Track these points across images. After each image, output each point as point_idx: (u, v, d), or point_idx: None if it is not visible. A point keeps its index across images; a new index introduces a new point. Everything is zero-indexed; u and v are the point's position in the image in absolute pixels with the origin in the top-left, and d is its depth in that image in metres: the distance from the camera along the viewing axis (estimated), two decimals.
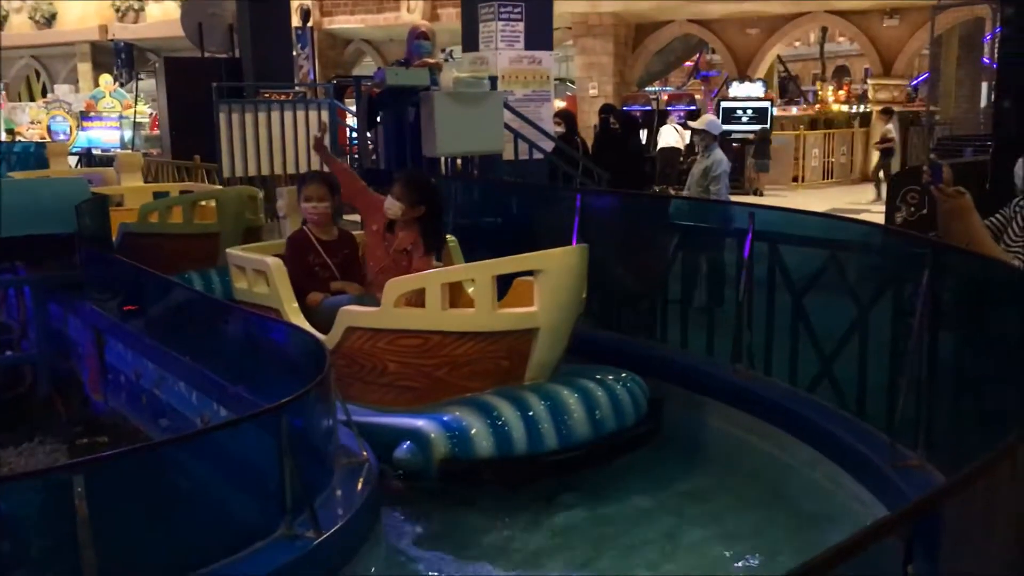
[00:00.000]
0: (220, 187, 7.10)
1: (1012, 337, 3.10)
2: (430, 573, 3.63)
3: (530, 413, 3.91)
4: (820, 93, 22.18)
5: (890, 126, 17.17)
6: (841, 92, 21.73)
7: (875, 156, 19.71)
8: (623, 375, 4.27)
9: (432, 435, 3.82)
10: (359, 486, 3.13)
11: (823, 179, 18.85)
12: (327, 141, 5.43)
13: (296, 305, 4.56)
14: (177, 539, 2.56)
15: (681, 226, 5.23)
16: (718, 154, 7.71)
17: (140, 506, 2.50)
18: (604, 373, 4.25)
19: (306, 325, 4.36)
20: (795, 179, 18.36)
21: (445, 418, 3.88)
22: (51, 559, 2.38)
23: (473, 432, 3.81)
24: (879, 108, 18.11)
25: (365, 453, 3.31)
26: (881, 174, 15.98)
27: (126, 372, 5.22)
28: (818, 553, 0.95)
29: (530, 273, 4.12)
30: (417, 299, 4.16)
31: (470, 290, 4.58)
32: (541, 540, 3.79)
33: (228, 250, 5.01)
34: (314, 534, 2.70)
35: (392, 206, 4.69)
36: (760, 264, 4.40)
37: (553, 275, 3.99)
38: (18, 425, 5.52)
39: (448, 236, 5.03)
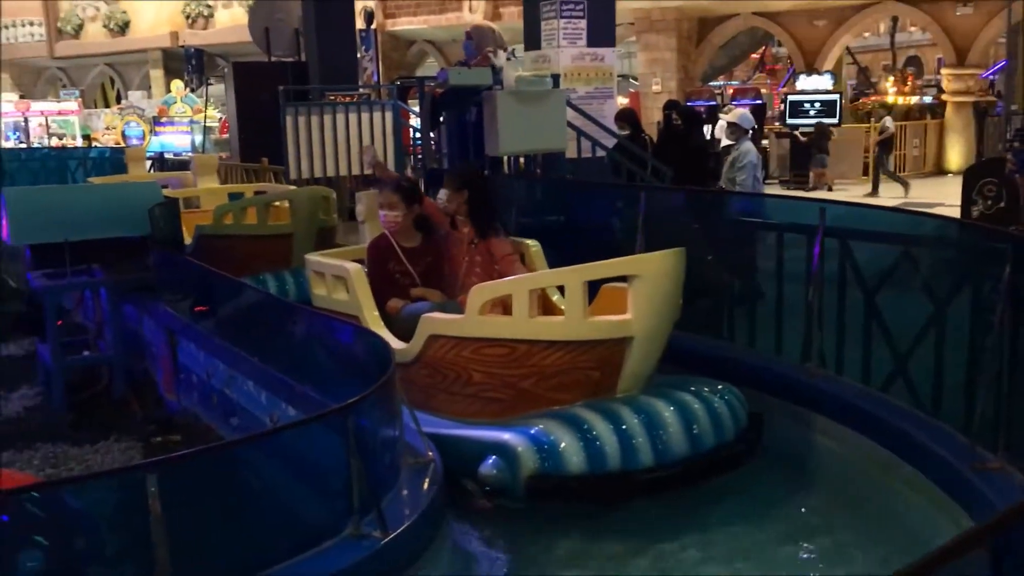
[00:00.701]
0: (294, 188, 7.18)
1: None
2: None
3: (623, 427, 3.66)
4: (879, 84, 21.61)
5: (888, 119, 16.79)
6: (906, 86, 21.15)
7: (951, 148, 19.23)
8: (720, 387, 4.02)
9: (519, 449, 3.60)
10: (425, 486, 3.15)
11: (896, 173, 18.38)
12: (379, 152, 5.52)
13: (376, 313, 4.45)
14: (246, 538, 2.59)
15: (747, 222, 5.14)
16: (746, 146, 7.73)
17: (211, 505, 2.54)
18: (700, 385, 4.01)
19: (386, 334, 4.25)
20: (865, 173, 17.95)
21: (533, 431, 3.66)
22: (124, 557, 2.44)
23: (563, 447, 3.58)
24: (881, 105, 17.70)
25: (431, 453, 3.32)
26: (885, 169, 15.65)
27: (198, 372, 5.32)
28: (902, 569, 0.91)
29: (621, 279, 3.91)
30: (504, 307, 4.02)
31: (555, 298, 4.52)
32: (636, 564, 3.52)
33: (307, 256, 4.96)
34: (381, 534, 2.72)
35: (441, 195, 4.75)
36: (831, 260, 4.29)
37: (650, 280, 3.75)
38: (95, 424, 5.67)
39: (530, 241, 4.92)
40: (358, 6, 14.88)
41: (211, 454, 2.73)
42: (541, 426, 3.68)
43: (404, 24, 23.08)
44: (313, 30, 11.52)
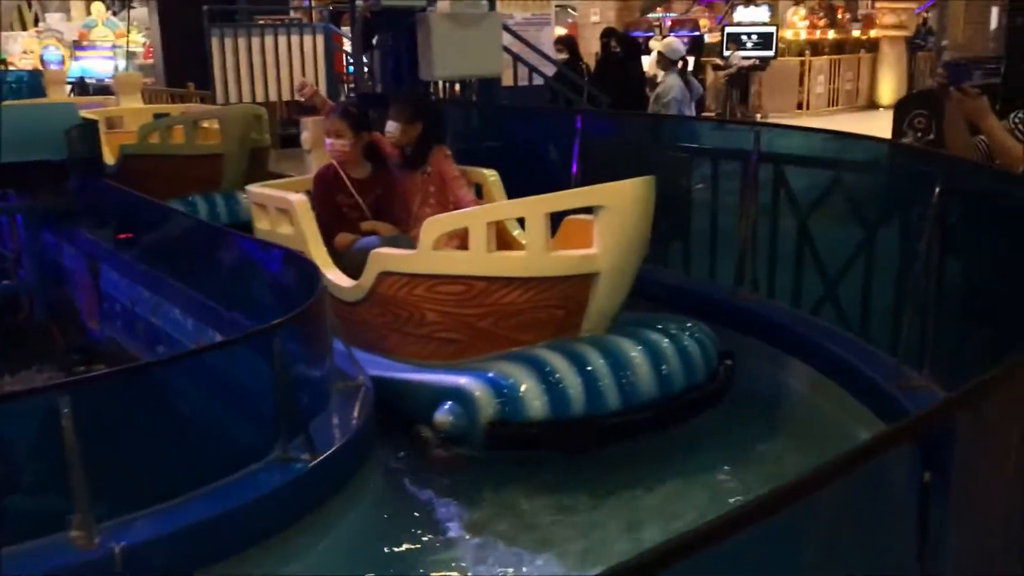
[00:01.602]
0: (223, 106, 6.93)
1: (1022, 256, 3.02)
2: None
3: (588, 369, 3.43)
4: (788, 19, 21.41)
5: (738, 53, 16.90)
6: (821, 20, 21.15)
7: (883, 82, 19.45)
8: (689, 324, 3.80)
9: (477, 394, 3.36)
10: (356, 410, 3.10)
11: (828, 106, 18.56)
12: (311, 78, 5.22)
13: (323, 248, 4.22)
14: (169, 461, 2.53)
15: (684, 147, 5.12)
16: (670, 80, 7.56)
17: (130, 428, 2.46)
18: (669, 322, 3.79)
19: (335, 270, 4.08)
20: (799, 106, 18.08)
21: (491, 375, 3.43)
22: (41, 483, 2.35)
23: (523, 391, 3.35)
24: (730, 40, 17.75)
25: (361, 377, 3.27)
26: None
27: (121, 300, 5.17)
28: (831, 459, 0.90)
29: (585, 210, 3.65)
30: (461, 242, 3.76)
31: (515, 232, 4.28)
32: (604, 513, 3.30)
33: (248, 187, 4.70)
34: (309, 457, 2.67)
35: (391, 128, 4.46)
36: (764, 182, 4.30)
37: (617, 212, 3.47)
38: (15, 354, 5.49)
39: (487, 171, 4.65)
40: None
41: (127, 375, 2.64)
42: (500, 369, 3.46)
43: None
44: None
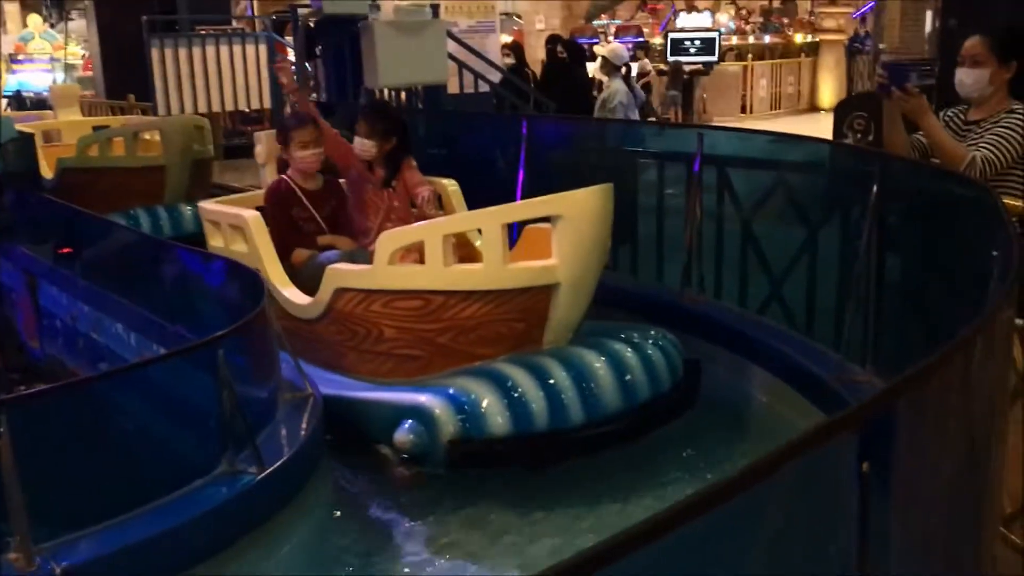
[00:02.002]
0: (164, 117, 6.83)
1: (959, 252, 3.09)
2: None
3: (551, 382, 3.35)
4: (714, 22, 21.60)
5: (646, 60, 17.21)
6: (748, 24, 21.54)
7: (823, 86, 19.78)
8: (653, 333, 3.73)
9: (437, 411, 3.29)
10: (304, 421, 3.06)
11: (771, 109, 18.86)
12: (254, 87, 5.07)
13: (279, 265, 4.09)
14: (114, 478, 2.47)
15: (628, 151, 5.15)
16: (616, 85, 7.66)
17: (71, 446, 2.40)
18: (632, 332, 3.71)
19: (291, 288, 3.98)
20: (743, 109, 18.35)
21: (451, 391, 3.34)
22: None
23: (485, 407, 3.28)
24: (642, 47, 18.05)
25: (309, 387, 3.23)
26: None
27: (62, 316, 5.06)
28: (768, 452, 0.90)
29: (544, 220, 3.57)
30: (421, 256, 3.63)
31: (478, 243, 4.09)
32: (572, 529, 3.21)
33: (201, 204, 4.55)
34: (256, 470, 2.63)
35: (363, 145, 4.25)
36: (708, 185, 4.34)
37: (575, 221, 3.39)
38: None
39: (446, 181, 4.56)
40: None
41: (66, 392, 2.58)
42: (460, 385, 3.37)
43: None
44: None
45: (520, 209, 3.65)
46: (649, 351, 3.59)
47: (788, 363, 3.71)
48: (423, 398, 3.35)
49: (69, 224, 5.14)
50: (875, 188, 3.31)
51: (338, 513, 3.24)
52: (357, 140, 4.27)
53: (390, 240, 3.58)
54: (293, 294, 3.95)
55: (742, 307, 4.32)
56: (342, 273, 3.71)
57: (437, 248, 3.45)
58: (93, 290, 4.68)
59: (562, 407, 3.33)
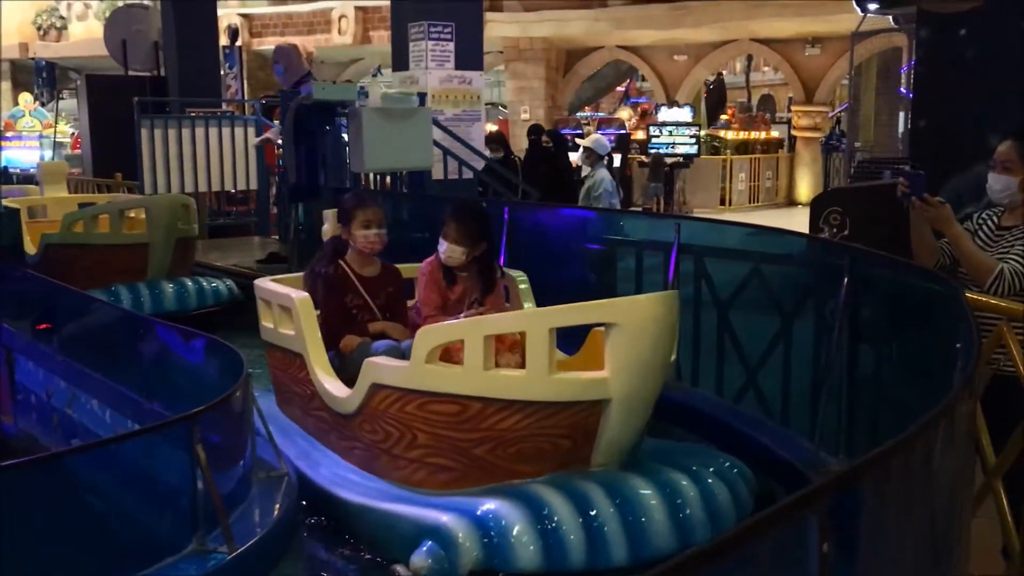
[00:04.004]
0: (150, 195, 6.92)
1: (929, 345, 3.15)
2: None
3: (593, 513, 2.97)
4: (719, 120, 22.20)
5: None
6: (752, 123, 22.16)
7: (800, 181, 20.25)
8: (725, 463, 3.36)
9: (460, 535, 2.91)
10: (277, 501, 3.04)
11: (749, 202, 19.25)
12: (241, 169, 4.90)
13: (323, 352, 3.81)
14: (84, 554, 2.44)
15: (607, 239, 5.25)
16: (600, 173, 7.87)
17: (43, 519, 2.38)
18: (699, 457, 3.37)
19: (332, 379, 3.71)
20: (722, 202, 18.71)
21: (479, 513, 2.97)
22: None
23: (514, 535, 2.89)
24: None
25: (284, 467, 3.22)
26: None
27: (36, 392, 5.02)
28: (731, 529, 0.92)
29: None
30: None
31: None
32: None
33: (256, 281, 4.26)
34: (227, 549, 2.61)
35: (453, 252, 3.88)
36: (685, 274, 4.42)
37: (631, 330, 3.05)
38: None
39: (515, 273, 4.23)
40: (222, 23, 14.56)
41: (37, 466, 2.56)
42: (491, 506, 2.99)
43: (271, 43, 22.63)
44: (173, 44, 11.20)
45: (571, 313, 3.22)
46: (711, 483, 3.19)
47: (763, 452, 3.73)
48: (446, 518, 2.98)
49: (48, 299, 5.15)
50: (845, 280, 3.38)
51: None
52: (444, 245, 3.89)
53: (429, 335, 3.24)
54: (332, 385, 3.68)
55: (718, 395, 4.36)
56: (378, 367, 3.40)
57: (478, 348, 3.10)
58: (70, 365, 4.66)
59: (604, 542, 2.94)
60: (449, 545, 2.93)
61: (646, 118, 21.20)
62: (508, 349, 3.31)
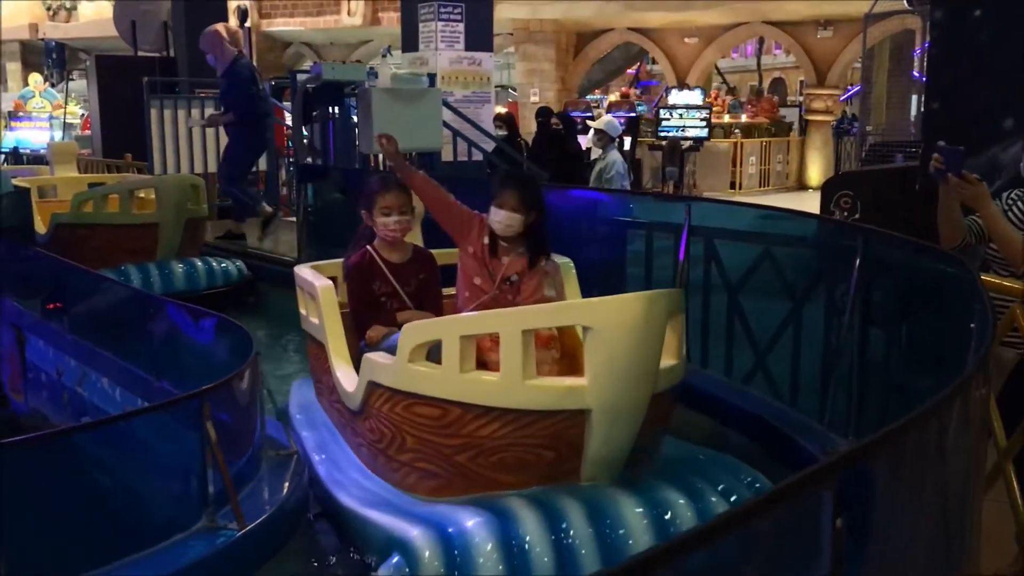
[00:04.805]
0: (159, 175, 6.94)
1: (941, 327, 3.13)
2: None
3: (568, 533, 2.78)
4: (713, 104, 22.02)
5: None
6: (766, 108, 22.05)
7: (811, 165, 20.16)
8: (745, 479, 3.13)
9: (426, 554, 2.74)
10: (287, 479, 3.05)
11: (760, 186, 19.15)
12: None
13: (343, 343, 3.66)
14: (93, 530, 2.45)
15: (618, 221, 5.23)
16: (612, 155, 7.83)
17: (53, 495, 2.39)
18: (714, 472, 3.14)
19: (346, 369, 3.57)
20: (732, 186, 18.63)
21: (450, 530, 2.80)
22: None
23: (482, 554, 2.72)
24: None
25: (293, 445, 3.23)
26: None
27: (47, 370, 5.04)
28: (745, 501, 0.92)
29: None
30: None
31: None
32: None
33: (296, 268, 4.12)
34: (237, 526, 2.62)
35: (512, 220, 3.60)
36: (695, 257, 4.40)
37: (608, 334, 2.78)
38: None
39: (560, 258, 3.93)
40: (231, 4, 14.52)
41: (47, 441, 2.57)
42: (462, 523, 2.81)
43: (280, 25, 22.62)
44: (183, 24, 11.16)
45: (543, 314, 3.02)
46: (713, 502, 2.95)
47: (772, 433, 3.72)
48: (415, 532, 2.82)
49: (59, 278, 5.16)
50: (857, 262, 3.36)
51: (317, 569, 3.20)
52: (502, 214, 3.60)
53: (412, 332, 3.06)
54: (345, 379, 3.52)
55: (727, 376, 4.35)
56: (373, 364, 3.23)
57: (454, 349, 2.91)
58: (80, 344, 4.67)
59: (575, 565, 2.75)
60: (414, 562, 2.78)
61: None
62: (544, 345, 3.14)
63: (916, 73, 17.39)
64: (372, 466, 3.37)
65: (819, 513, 1.05)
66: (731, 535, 0.92)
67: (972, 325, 2.07)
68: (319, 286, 3.74)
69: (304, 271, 4.01)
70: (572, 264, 3.99)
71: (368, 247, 3.86)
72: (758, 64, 29.83)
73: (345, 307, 3.82)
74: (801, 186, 20.02)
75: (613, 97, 23.32)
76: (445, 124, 7.86)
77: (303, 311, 3.98)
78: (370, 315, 3.71)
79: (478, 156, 8.63)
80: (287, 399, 4.26)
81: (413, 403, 3.04)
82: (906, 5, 10.72)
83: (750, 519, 0.94)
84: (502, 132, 9.24)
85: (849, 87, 23.86)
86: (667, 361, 2.98)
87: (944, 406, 1.31)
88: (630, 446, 2.96)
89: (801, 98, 23.73)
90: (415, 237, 4.26)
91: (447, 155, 8.29)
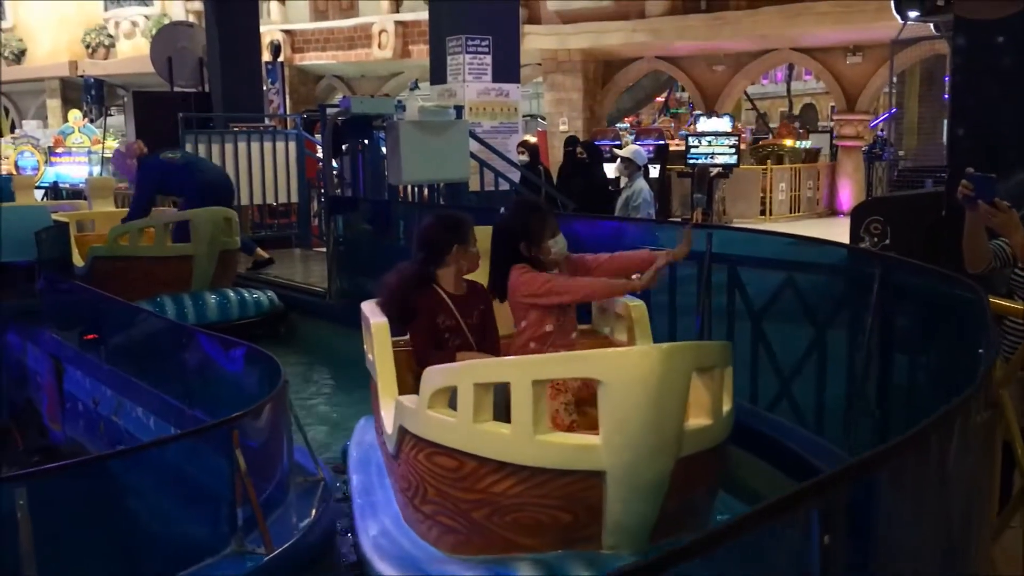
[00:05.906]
0: (193, 209, 7.10)
1: (958, 352, 3.14)
2: None
3: None
4: (777, 130, 22.14)
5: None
6: (802, 131, 22.05)
7: (842, 190, 20.08)
8: None
9: None
10: (314, 504, 3.11)
11: (790, 212, 19.09)
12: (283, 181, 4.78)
13: (392, 380, 3.47)
14: (125, 554, 2.53)
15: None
16: (639, 184, 7.87)
17: (84, 521, 2.46)
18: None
19: (389, 412, 3.36)
20: (762, 212, 18.58)
21: None
22: None
23: None
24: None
25: (321, 472, 3.29)
26: None
27: (84, 400, 5.16)
28: (730, 518, 0.96)
29: None
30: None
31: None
32: None
33: (363, 304, 3.92)
34: (265, 551, 2.68)
35: (563, 243, 3.58)
36: (719, 284, 4.44)
37: (623, 390, 2.56)
38: None
39: (632, 302, 3.71)
40: (265, 39, 14.84)
41: (84, 467, 2.66)
42: None
43: (312, 59, 23.01)
44: (217, 60, 11.43)
45: (555, 364, 2.84)
46: None
47: (797, 460, 3.73)
48: None
49: (96, 309, 5.29)
50: (876, 288, 3.38)
51: None
52: (560, 239, 3.55)
53: (432, 377, 2.89)
54: (387, 419, 3.35)
55: (752, 404, 4.36)
56: (404, 408, 3.07)
57: (467, 397, 2.73)
58: (116, 374, 4.79)
59: None
60: None
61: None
62: (552, 396, 3.02)
63: (947, 97, 17.31)
64: (404, 514, 3.22)
65: (809, 530, 1.09)
66: (720, 549, 0.96)
67: (980, 351, 2.09)
68: (373, 322, 3.61)
69: (367, 307, 3.83)
70: (643, 306, 3.73)
71: (432, 282, 3.66)
72: (787, 90, 29.81)
73: (398, 344, 3.66)
74: (832, 212, 19.92)
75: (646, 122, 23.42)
76: (472, 155, 7.97)
77: (365, 347, 3.80)
78: (432, 353, 3.49)
79: (505, 186, 8.73)
80: (326, 429, 4.26)
81: (433, 452, 2.89)
82: (933, 31, 10.71)
83: (740, 534, 0.98)
84: (524, 158, 9.34)
85: (879, 113, 23.77)
86: (698, 421, 2.74)
87: (938, 427, 1.34)
88: (654, 513, 2.71)
89: (832, 123, 23.67)
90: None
91: (474, 185, 8.39)
